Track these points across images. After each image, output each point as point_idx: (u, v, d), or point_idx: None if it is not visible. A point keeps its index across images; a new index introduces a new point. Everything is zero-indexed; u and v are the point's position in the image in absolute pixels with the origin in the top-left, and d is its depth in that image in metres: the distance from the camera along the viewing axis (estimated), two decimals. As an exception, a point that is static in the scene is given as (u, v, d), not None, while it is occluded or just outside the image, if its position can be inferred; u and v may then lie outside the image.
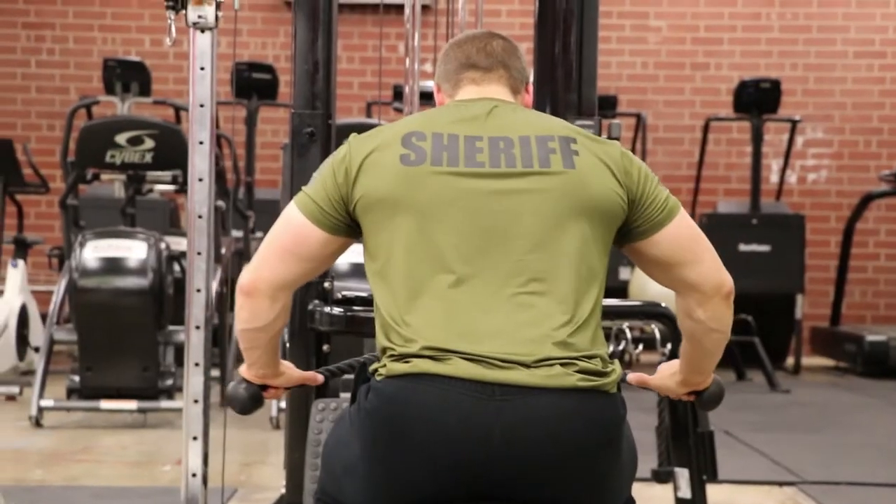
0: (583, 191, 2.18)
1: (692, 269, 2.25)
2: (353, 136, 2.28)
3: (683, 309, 2.28)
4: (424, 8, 6.16)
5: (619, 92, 9.23)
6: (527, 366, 2.09)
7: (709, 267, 2.24)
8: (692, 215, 8.51)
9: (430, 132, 2.21)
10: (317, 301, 3.23)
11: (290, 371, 2.41)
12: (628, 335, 4.15)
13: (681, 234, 2.26)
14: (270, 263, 2.24)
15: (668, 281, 2.29)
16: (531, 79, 2.54)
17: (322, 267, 2.30)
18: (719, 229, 8.01)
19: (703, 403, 2.42)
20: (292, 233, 2.24)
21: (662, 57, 9.57)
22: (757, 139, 8.68)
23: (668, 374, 2.40)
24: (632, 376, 2.38)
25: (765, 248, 8.46)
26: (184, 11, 3.47)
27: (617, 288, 7.60)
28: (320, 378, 2.49)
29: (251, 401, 2.39)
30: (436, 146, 2.19)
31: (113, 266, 5.85)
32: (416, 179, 2.17)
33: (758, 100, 8.64)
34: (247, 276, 2.26)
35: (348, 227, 2.24)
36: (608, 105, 8.50)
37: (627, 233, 2.25)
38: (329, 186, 2.23)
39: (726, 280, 2.26)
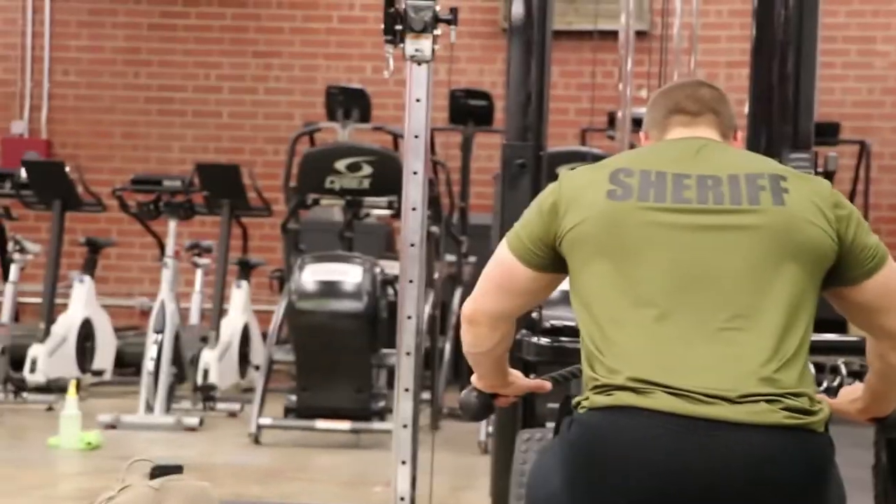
0: (793, 229, 2.15)
1: (893, 317, 2.23)
2: (562, 172, 2.32)
3: (877, 350, 2.29)
4: (640, 34, 6.13)
5: (843, 119, 8.96)
6: (731, 401, 2.07)
7: None
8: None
9: (639, 169, 2.22)
10: (524, 330, 3.26)
11: (519, 380, 2.51)
12: (843, 371, 4.03)
13: (888, 284, 2.24)
14: (486, 297, 2.33)
15: (866, 326, 2.28)
16: (743, 114, 2.52)
17: (536, 300, 2.39)
18: (947, 262, 7.69)
19: (886, 428, 2.45)
20: (502, 270, 2.30)
21: (890, 82, 9.26)
22: None
23: (848, 400, 2.42)
24: None
25: None
26: (402, 45, 3.57)
27: (835, 321, 7.36)
28: (548, 385, 2.59)
29: (482, 408, 2.51)
30: (643, 182, 2.19)
31: (329, 289, 6.01)
32: (622, 215, 2.18)
33: None
34: (468, 306, 2.36)
35: (556, 263, 2.27)
36: (830, 132, 8.26)
37: (835, 277, 2.22)
38: (536, 225, 2.26)
39: None
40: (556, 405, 2.99)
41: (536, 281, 2.29)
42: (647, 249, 2.16)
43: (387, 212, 6.79)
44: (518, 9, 3.39)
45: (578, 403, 2.17)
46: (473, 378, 2.49)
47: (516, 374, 2.51)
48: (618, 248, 2.17)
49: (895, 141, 9.25)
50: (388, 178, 6.32)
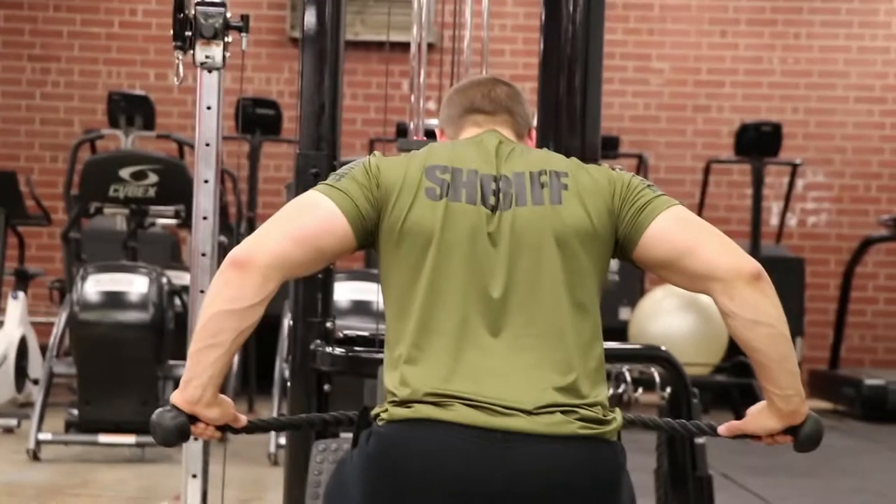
0: (570, 223, 2.18)
1: (695, 257, 2.14)
2: (378, 154, 2.26)
3: (719, 309, 2.14)
4: (430, 46, 6.19)
5: (622, 133, 9.26)
6: (528, 412, 2.10)
7: (714, 251, 2.14)
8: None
9: (452, 167, 2.21)
10: (318, 341, 3.24)
11: (226, 406, 2.18)
12: (628, 378, 4.16)
13: (670, 227, 2.17)
14: (278, 239, 2.10)
15: (686, 282, 2.18)
16: (534, 123, 2.56)
17: (320, 266, 2.20)
18: (719, 271, 8.01)
19: (800, 444, 2.24)
20: (318, 218, 2.14)
21: (665, 99, 9.62)
22: (757, 182, 8.71)
23: (757, 411, 2.23)
24: (722, 428, 2.27)
25: (764, 290, 8.45)
26: (191, 51, 3.50)
27: (616, 328, 7.60)
28: (244, 420, 2.22)
29: (177, 432, 2.13)
30: (456, 181, 2.19)
31: (114, 300, 5.86)
32: (436, 214, 2.16)
33: (759, 143, 8.68)
34: (244, 247, 2.10)
35: (369, 234, 2.18)
36: (610, 146, 8.53)
37: (620, 246, 2.22)
38: (364, 186, 2.18)
39: (745, 262, 2.13)
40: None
41: (344, 243, 2.15)
42: (455, 253, 2.16)
43: (173, 221, 6.66)
44: (310, 19, 3.37)
45: (377, 415, 2.17)
46: (175, 393, 2.14)
47: (225, 398, 2.18)
48: (430, 249, 2.15)
49: (670, 154, 9.60)
50: (174, 187, 6.21)
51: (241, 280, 2.07)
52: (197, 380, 2.12)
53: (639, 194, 2.21)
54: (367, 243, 2.21)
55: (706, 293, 2.17)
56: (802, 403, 2.22)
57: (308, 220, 2.14)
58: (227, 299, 2.08)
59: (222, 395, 2.18)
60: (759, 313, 2.14)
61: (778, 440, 2.26)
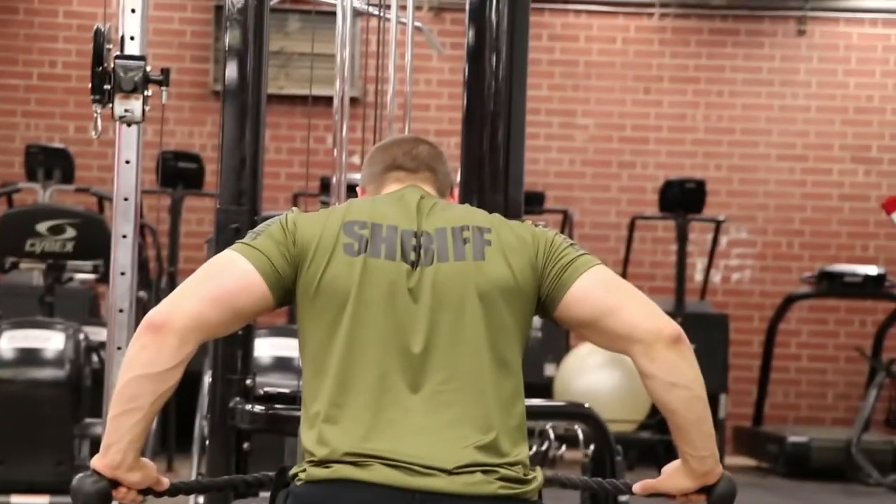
0: (493, 278, 2.17)
1: (615, 318, 2.15)
2: (296, 210, 2.25)
3: (638, 370, 2.15)
4: (353, 100, 6.18)
5: (547, 189, 9.30)
6: (448, 472, 2.08)
7: (636, 313, 2.15)
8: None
9: (371, 222, 2.19)
10: (238, 398, 3.19)
11: (148, 469, 2.17)
12: (551, 435, 4.15)
13: (592, 287, 2.18)
14: (194, 300, 2.10)
15: (606, 342, 2.19)
16: (457, 180, 2.54)
17: (239, 325, 2.21)
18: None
19: (714, 502, 2.23)
20: (234, 278, 2.13)
21: (590, 155, 9.68)
22: (682, 238, 8.78)
23: (672, 470, 2.24)
24: (637, 487, 2.26)
25: (688, 346, 8.49)
26: (110, 105, 3.44)
27: (541, 385, 7.58)
28: (166, 483, 2.21)
29: (98, 497, 2.12)
30: (375, 237, 2.18)
31: (29, 357, 5.75)
32: (353, 270, 2.15)
33: (683, 199, 8.75)
34: (160, 309, 2.10)
35: (287, 292, 2.17)
36: (535, 202, 8.56)
37: (542, 304, 2.21)
38: (280, 244, 2.16)
39: (665, 325, 2.14)
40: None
41: (262, 303, 2.14)
42: (373, 309, 2.14)
43: (91, 276, 6.56)
44: (231, 72, 3.35)
45: (295, 475, 2.13)
46: (95, 458, 2.14)
47: (147, 462, 2.18)
48: (349, 305, 2.14)
49: (595, 210, 9.66)
50: (92, 242, 6.12)
51: (158, 344, 2.07)
52: (117, 445, 2.12)
53: (562, 253, 2.21)
54: (286, 301, 2.19)
55: (626, 354, 2.18)
56: (716, 464, 2.23)
57: (224, 281, 2.13)
58: (143, 363, 2.08)
59: (144, 459, 2.17)
60: (678, 375, 2.14)
61: (692, 499, 2.26)
